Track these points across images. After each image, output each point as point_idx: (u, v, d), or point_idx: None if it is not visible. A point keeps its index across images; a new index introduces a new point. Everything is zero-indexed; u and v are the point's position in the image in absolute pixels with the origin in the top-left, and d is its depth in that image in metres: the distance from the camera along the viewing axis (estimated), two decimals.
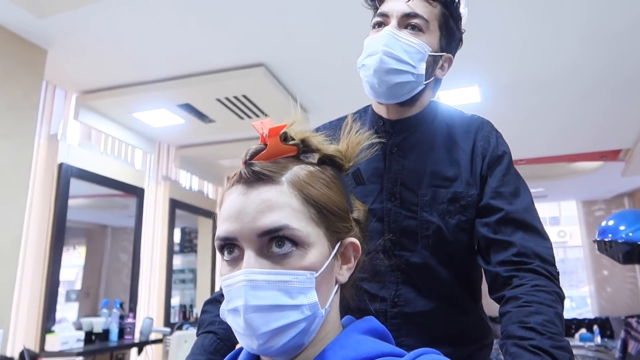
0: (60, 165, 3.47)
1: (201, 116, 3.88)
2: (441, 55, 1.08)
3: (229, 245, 0.59)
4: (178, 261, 5.08)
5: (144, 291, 4.43)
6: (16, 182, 2.71)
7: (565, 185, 7.09)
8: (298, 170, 0.61)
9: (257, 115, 3.81)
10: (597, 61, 3.26)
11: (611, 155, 5.37)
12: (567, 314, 8.47)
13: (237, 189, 0.59)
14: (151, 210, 4.61)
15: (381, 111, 1.12)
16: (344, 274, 0.64)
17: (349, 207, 0.66)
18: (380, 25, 1.06)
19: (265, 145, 0.61)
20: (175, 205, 4.82)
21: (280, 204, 0.57)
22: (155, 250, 4.64)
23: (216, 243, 0.60)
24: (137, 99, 3.56)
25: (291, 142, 0.63)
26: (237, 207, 0.58)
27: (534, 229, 0.97)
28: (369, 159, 1.08)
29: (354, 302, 1.02)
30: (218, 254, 0.62)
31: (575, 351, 4.47)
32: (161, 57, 3.13)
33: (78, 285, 4.25)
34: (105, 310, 3.71)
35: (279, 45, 2.99)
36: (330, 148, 0.66)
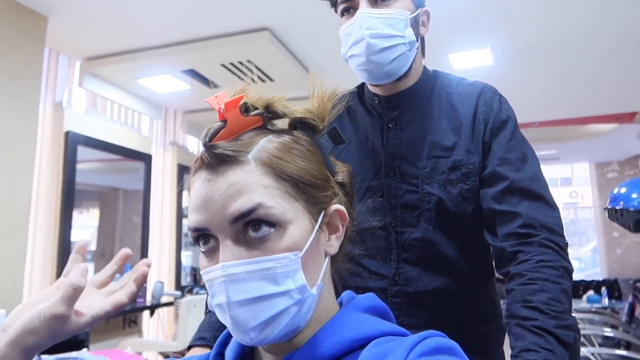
0: (67, 133, 3.47)
1: (206, 82, 3.83)
2: (418, 13, 1.03)
3: (203, 236, 0.54)
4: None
5: (155, 254, 4.52)
6: (23, 152, 2.72)
7: (578, 147, 6.98)
8: (266, 144, 0.55)
9: (263, 81, 3.74)
10: (616, 22, 3.14)
11: (627, 118, 5.25)
12: (576, 275, 8.51)
13: (201, 175, 0.54)
14: (159, 176, 4.63)
15: (375, 88, 1.08)
16: (334, 244, 0.59)
17: (329, 173, 0.60)
18: (348, 10, 1.01)
19: (225, 121, 0.54)
20: (183, 170, 4.84)
21: (250, 184, 0.52)
22: (164, 214, 4.69)
23: (189, 234, 0.55)
24: (141, 65, 3.51)
25: (254, 112, 0.56)
26: (203, 196, 0.52)
27: (541, 198, 0.92)
28: (366, 135, 1.05)
29: (352, 279, 1.00)
30: None
31: (581, 315, 4.50)
32: (164, 22, 3.06)
33: (93, 246, 4.35)
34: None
35: (283, 9, 2.90)
36: (299, 110, 0.59)
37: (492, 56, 3.66)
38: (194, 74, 3.67)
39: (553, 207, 0.93)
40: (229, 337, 0.63)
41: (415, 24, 1.02)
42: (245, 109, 0.56)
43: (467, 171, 0.98)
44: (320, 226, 0.57)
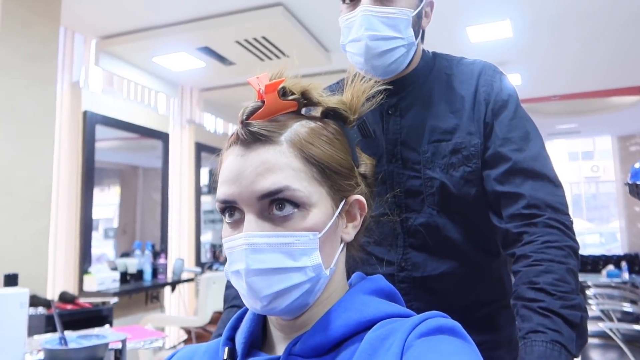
0: (85, 113, 3.50)
1: (221, 59, 3.82)
2: (422, 6, 1.00)
3: (230, 208, 0.57)
4: (207, 201, 5.19)
5: (175, 231, 4.59)
6: (42, 132, 2.75)
7: (600, 121, 6.82)
8: (298, 128, 0.58)
9: (277, 57, 3.72)
10: None
11: None
12: (596, 250, 8.43)
13: (235, 150, 0.57)
14: (177, 154, 4.67)
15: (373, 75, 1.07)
16: (350, 232, 0.62)
17: (354, 163, 0.63)
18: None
19: (263, 102, 0.58)
20: (200, 148, 4.87)
21: (280, 165, 0.55)
22: (183, 192, 4.75)
23: (217, 205, 0.58)
24: (156, 43, 3.51)
25: (291, 97, 0.59)
26: (235, 170, 0.56)
27: (545, 177, 0.92)
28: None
29: (361, 267, 1.00)
30: None
31: (601, 290, 4.47)
32: None
33: (115, 223, 4.44)
34: (138, 252, 3.87)
35: None
36: (333, 100, 0.63)
37: (511, 28, 3.57)
38: (209, 51, 3.66)
39: (557, 185, 0.92)
40: (238, 321, 0.66)
41: (418, 19, 1.00)
42: (283, 93, 0.59)
43: (469, 154, 0.97)
44: (340, 213, 0.60)
